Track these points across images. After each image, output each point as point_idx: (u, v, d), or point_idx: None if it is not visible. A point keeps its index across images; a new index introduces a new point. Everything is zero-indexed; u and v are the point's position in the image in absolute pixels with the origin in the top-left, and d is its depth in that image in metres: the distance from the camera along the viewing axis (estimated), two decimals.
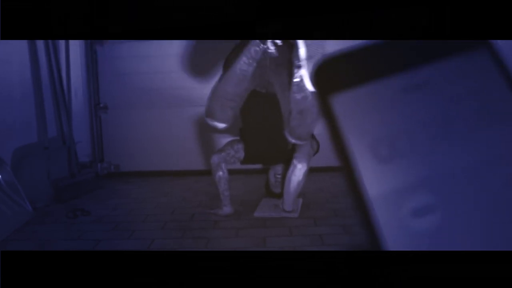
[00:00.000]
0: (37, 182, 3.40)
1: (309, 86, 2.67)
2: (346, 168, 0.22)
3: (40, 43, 3.71)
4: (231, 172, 2.98)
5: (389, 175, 0.21)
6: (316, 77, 0.23)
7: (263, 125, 3.08)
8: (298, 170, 2.90)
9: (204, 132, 4.07)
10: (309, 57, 2.67)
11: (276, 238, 2.58)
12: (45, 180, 3.48)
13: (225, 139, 3.28)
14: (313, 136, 2.93)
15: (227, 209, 2.96)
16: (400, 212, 0.21)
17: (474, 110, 0.22)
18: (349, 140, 0.22)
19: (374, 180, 0.21)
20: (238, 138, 3.16)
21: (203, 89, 3.93)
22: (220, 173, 2.93)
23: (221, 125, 2.80)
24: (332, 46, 3.90)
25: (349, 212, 2.66)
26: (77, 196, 3.53)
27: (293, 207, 2.96)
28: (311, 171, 2.97)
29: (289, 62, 2.73)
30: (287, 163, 3.04)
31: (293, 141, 2.85)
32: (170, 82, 4.17)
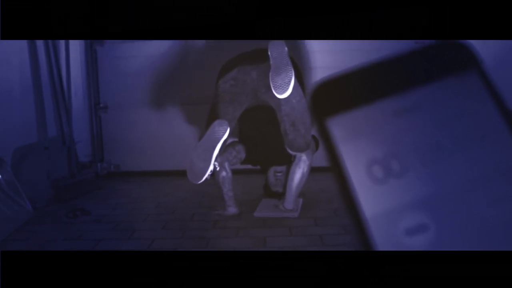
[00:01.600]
0: (37, 182, 3.40)
1: (293, 95, 2.66)
2: (343, 189, 0.23)
3: (40, 43, 3.71)
4: None
5: (384, 195, 0.22)
6: (313, 101, 0.24)
7: (260, 128, 3.09)
8: (303, 162, 2.92)
9: (205, 131, 4.06)
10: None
11: (276, 238, 2.58)
12: (45, 180, 3.48)
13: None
14: (312, 136, 2.94)
15: (232, 209, 2.96)
16: (394, 231, 0.22)
17: (463, 131, 0.23)
18: (345, 161, 0.23)
19: (369, 201, 0.22)
20: (237, 139, 3.17)
21: (204, 88, 3.93)
22: (224, 173, 2.92)
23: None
24: (332, 45, 3.90)
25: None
26: (77, 196, 3.53)
27: (294, 206, 2.96)
28: (312, 170, 2.97)
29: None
30: (288, 164, 3.05)
31: (294, 153, 2.88)
32: (170, 82, 4.17)
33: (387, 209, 0.22)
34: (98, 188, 3.81)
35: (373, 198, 0.22)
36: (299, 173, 2.92)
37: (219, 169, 2.90)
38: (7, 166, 3.08)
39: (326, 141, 0.24)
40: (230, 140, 3.05)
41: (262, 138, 3.09)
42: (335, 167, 0.23)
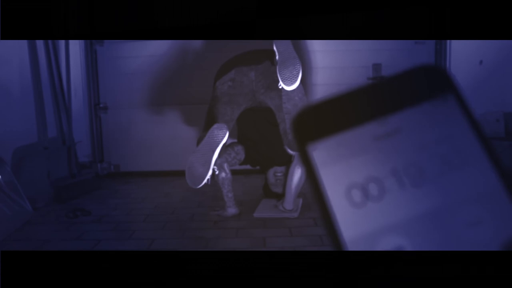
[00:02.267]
0: (37, 182, 3.40)
1: (296, 93, 2.65)
2: (323, 212, 0.23)
3: (40, 43, 3.71)
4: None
5: (362, 219, 0.23)
6: (295, 126, 0.25)
7: (259, 129, 3.09)
8: None
9: (203, 133, 4.06)
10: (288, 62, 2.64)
11: (276, 238, 2.58)
12: (45, 180, 3.48)
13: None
14: None
15: (231, 210, 2.96)
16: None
17: (441, 156, 0.23)
18: (325, 186, 0.24)
19: (348, 224, 0.23)
20: (236, 140, 3.17)
21: (204, 88, 3.94)
22: (223, 174, 2.92)
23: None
24: (332, 45, 3.90)
25: None
26: (77, 196, 3.53)
27: (294, 206, 2.96)
28: None
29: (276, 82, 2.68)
30: (288, 164, 3.05)
31: (294, 153, 2.87)
32: (170, 82, 4.17)
33: (365, 232, 0.23)
34: (98, 188, 3.81)
35: (351, 221, 0.23)
36: (299, 173, 2.92)
37: (219, 170, 2.90)
38: (7, 166, 3.08)
39: (307, 166, 0.24)
40: (229, 141, 3.06)
41: (261, 139, 3.09)
42: (315, 191, 0.24)
